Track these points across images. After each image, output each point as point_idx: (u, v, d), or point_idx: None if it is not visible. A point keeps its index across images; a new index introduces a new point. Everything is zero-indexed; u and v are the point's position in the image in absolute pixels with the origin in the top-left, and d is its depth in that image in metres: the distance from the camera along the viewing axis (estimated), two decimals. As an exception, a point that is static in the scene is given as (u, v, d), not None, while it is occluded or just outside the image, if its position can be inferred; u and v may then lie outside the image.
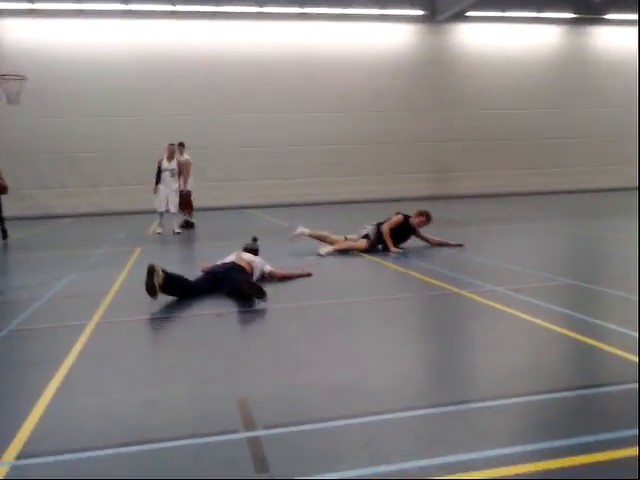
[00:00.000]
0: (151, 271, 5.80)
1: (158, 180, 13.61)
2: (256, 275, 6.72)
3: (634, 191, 23.65)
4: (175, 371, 3.99)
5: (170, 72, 22.41)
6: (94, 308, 5.80)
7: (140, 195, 20.86)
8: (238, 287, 5.90)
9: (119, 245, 11.70)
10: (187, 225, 14.46)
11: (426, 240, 9.42)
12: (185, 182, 14.14)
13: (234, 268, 6.48)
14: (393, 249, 8.89)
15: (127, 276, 7.65)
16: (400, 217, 9.27)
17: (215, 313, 5.58)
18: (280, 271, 7.07)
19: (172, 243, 11.89)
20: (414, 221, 9.30)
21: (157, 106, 22.27)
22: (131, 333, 5.08)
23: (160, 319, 5.57)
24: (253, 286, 5.87)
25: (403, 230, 9.26)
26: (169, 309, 5.82)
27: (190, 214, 14.57)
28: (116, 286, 6.96)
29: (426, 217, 9.35)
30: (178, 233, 13.30)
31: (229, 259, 6.78)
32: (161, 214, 13.66)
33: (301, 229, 9.46)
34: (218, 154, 22.62)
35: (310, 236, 9.40)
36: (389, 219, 9.27)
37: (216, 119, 22.80)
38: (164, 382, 3.78)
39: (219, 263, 6.73)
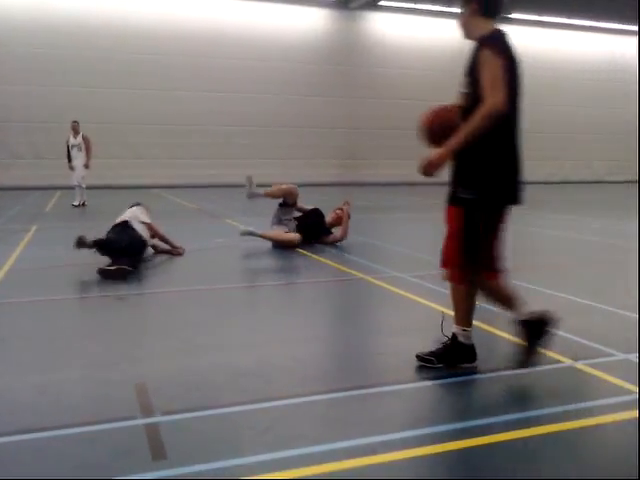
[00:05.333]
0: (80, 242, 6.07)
1: (69, 157, 14.15)
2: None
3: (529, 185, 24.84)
4: (70, 355, 3.81)
5: (75, 44, 21.37)
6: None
7: (36, 170, 19.92)
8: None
9: (12, 222, 11.07)
10: None
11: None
12: None
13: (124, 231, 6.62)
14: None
15: (20, 255, 7.24)
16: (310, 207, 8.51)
17: (115, 295, 5.37)
18: (160, 230, 7.25)
19: (70, 221, 11.38)
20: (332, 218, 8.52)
21: (58, 78, 21.20)
22: (23, 315, 4.80)
23: (55, 301, 5.29)
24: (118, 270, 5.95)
25: (312, 229, 8.22)
26: (65, 291, 5.56)
27: None
28: (7, 265, 6.56)
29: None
30: (76, 206, 13.92)
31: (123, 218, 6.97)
32: (75, 187, 14.18)
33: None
34: (123, 131, 21.84)
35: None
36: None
37: (121, 95, 21.99)
38: (58, 366, 3.59)
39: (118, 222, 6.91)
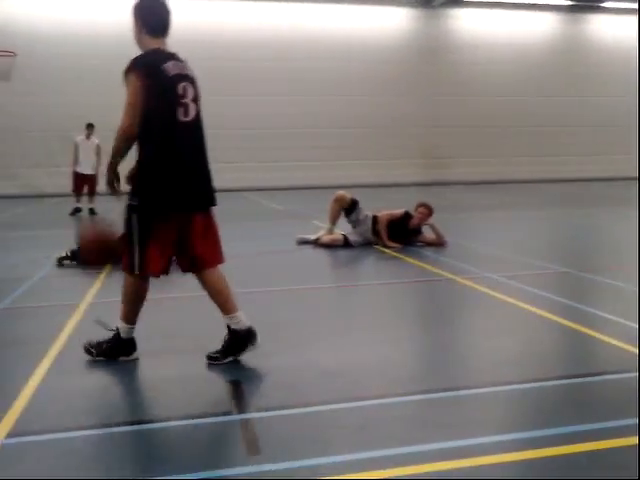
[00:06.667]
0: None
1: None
2: None
3: (623, 181, 23.70)
4: (167, 352, 3.97)
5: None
6: (86, 288, 5.76)
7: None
8: None
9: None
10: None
11: (431, 243, 8.09)
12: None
13: None
14: (389, 242, 7.86)
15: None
16: (401, 211, 8.19)
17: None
18: None
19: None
20: (414, 222, 8.08)
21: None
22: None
23: (155, 300, 5.49)
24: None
25: (399, 229, 8.05)
26: (162, 290, 5.76)
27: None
28: (110, 266, 6.87)
29: (426, 209, 8.10)
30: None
31: None
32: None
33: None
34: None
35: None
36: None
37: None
38: (155, 363, 3.75)
39: None
